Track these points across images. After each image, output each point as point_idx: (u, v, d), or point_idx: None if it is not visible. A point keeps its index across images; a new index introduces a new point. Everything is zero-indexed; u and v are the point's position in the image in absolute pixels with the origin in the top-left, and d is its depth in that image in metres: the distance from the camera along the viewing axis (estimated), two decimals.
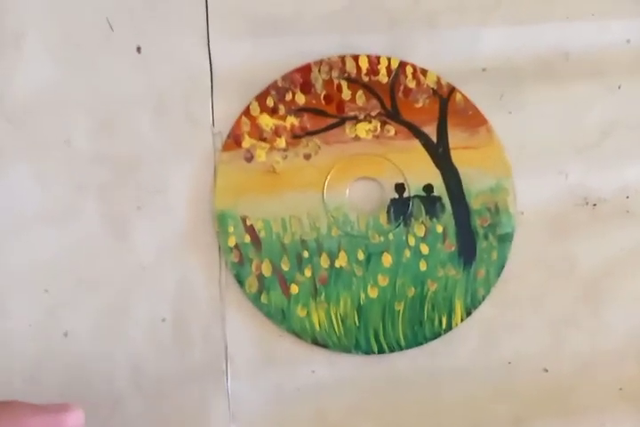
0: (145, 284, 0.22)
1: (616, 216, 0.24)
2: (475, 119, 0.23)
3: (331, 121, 0.23)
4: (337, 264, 0.22)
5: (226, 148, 0.23)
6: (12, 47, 0.24)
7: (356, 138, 0.23)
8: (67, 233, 0.23)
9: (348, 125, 0.23)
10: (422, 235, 0.23)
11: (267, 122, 0.23)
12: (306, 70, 0.23)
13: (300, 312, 0.22)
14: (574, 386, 0.23)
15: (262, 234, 0.23)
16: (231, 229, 0.23)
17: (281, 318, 0.22)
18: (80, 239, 0.23)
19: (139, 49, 0.24)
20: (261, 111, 0.23)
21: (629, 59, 0.25)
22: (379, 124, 0.23)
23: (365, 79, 0.23)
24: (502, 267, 0.23)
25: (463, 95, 0.23)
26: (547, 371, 0.23)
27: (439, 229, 0.23)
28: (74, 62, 0.24)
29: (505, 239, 0.23)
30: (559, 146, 0.24)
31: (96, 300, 0.22)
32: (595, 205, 0.24)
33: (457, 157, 0.23)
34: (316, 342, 0.22)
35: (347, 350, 0.22)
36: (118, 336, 0.22)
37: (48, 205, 0.23)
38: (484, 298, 0.22)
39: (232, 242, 0.22)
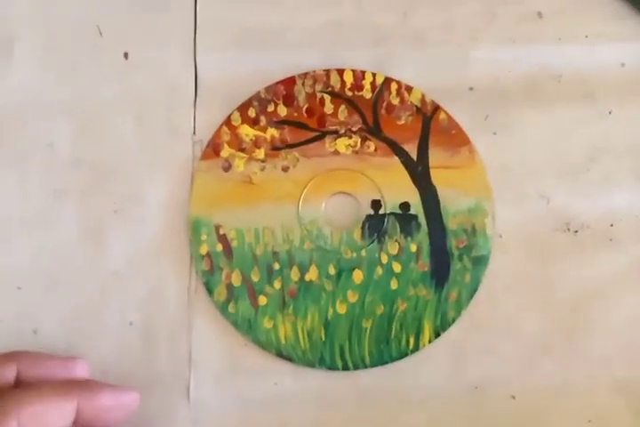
0: (116, 287, 0.22)
1: (598, 244, 0.22)
2: (457, 139, 0.22)
3: (311, 134, 0.22)
4: (307, 278, 0.22)
5: (204, 156, 0.22)
6: (1, 51, 0.23)
7: (336, 152, 0.22)
8: (44, 235, 0.22)
9: (328, 140, 0.22)
10: (395, 253, 0.22)
11: (247, 132, 0.22)
12: (290, 83, 0.23)
13: (267, 324, 0.21)
14: (542, 416, 0.21)
15: (234, 243, 0.22)
16: (204, 237, 0.22)
17: (247, 328, 0.21)
18: (57, 241, 0.22)
19: (126, 55, 0.23)
20: (242, 122, 0.23)
21: (623, 83, 0.23)
22: (359, 140, 0.22)
23: (349, 94, 0.23)
24: (475, 290, 0.21)
25: (447, 114, 0.22)
26: (514, 398, 0.21)
27: (413, 247, 0.22)
28: (61, 67, 0.23)
29: (480, 262, 0.22)
30: (543, 170, 0.23)
31: (67, 300, 0.22)
32: (576, 231, 0.22)
33: (436, 177, 0.22)
34: (280, 355, 0.21)
35: (311, 365, 0.21)
36: (86, 337, 0.22)
37: (28, 208, 0.23)
38: (454, 320, 0.21)
39: (204, 250, 0.22)
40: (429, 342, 0.21)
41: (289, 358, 0.21)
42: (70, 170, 0.23)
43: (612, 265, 0.22)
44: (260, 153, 0.22)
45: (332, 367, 0.21)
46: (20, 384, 0.18)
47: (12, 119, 0.23)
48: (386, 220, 0.22)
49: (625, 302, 0.22)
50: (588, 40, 0.24)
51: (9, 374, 0.17)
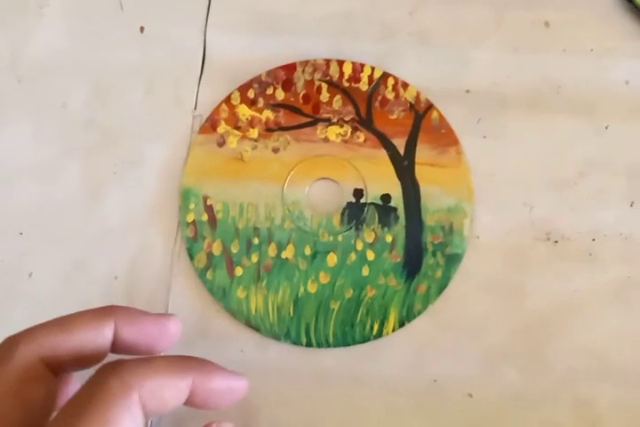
0: (107, 243, 0.23)
1: (577, 257, 0.22)
2: (446, 138, 0.22)
3: (304, 120, 0.23)
4: (283, 255, 0.22)
5: (202, 130, 0.23)
6: (34, 13, 0.25)
7: (326, 139, 0.23)
8: (50, 187, 0.23)
9: (320, 126, 0.23)
10: (371, 241, 0.22)
11: (244, 112, 0.23)
12: (290, 68, 0.23)
13: (240, 294, 0.22)
14: (498, 418, 0.21)
15: (219, 215, 0.23)
16: (192, 206, 0.23)
17: (221, 295, 0.22)
18: (59, 194, 0.23)
19: (142, 29, 0.24)
20: (241, 101, 0.23)
21: (624, 100, 0.23)
22: (350, 130, 0.23)
23: (346, 84, 0.23)
24: (445, 286, 0.21)
25: (440, 113, 0.22)
26: (471, 396, 0.21)
27: (389, 238, 0.22)
28: (84, 34, 0.24)
29: (453, 260, 0.22)
30: (530, 178, 0.22)
31: (62, 249, 0.23)
32: (556, 241, 0.22)
33: (421, 173, 0.22)
34: (249, 325, 0.22)
35: (277, 338, 0.21)
36: (74, 285, 0.23)
37: (38, 160, 0.24)
38: (419, 313, 0.21)
39: (190, 218, 0.22)
40: (393, 330, 0.21)
41: (257, 329, 0.22)
42: (80, 129, 0.24)
43: (587, 280, 0.22)
44: (254, 133, 0.23)
45: (297, 343, 0.21)
46: (115, 343, 0.17)
47: (34, 74, 0.24)
48: (366, 209, 0.22)
49: (596, 319, 0.21)
50: (593, 53, 0.23)
51: (108, 331, 0.16)
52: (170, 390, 0.15)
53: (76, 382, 0.18)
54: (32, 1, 0.25)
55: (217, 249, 0.22)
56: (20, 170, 0.24)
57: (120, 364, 0.15)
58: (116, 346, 0.17)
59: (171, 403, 0.15)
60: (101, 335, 0.16)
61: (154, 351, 0.18)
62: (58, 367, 0.16)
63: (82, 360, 0.16)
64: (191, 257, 0.22)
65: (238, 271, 0.22)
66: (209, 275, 0.22)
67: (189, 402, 0.16)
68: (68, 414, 0.14)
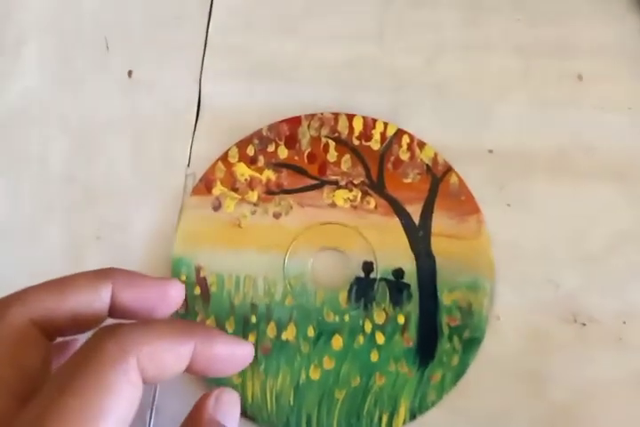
0: None
1: (606, 342, 0.19)
2: (466, 206, 0.20)
3: (309, 182, 0.20)
4: (283, 336, 0.19)
5: (195, 192, 0.20)
6: (12, 54, 0.22)
7: (333, 205, 0.20)
8: (28, 249, 0.21)
9: (326, 190, 0.20)
10: (381, 323, 0.19)
11: (243, 171, 0.20)
12: (295, 123, 0.20)
13: (235, 380, 0.19)
14: None
15: (213, 289, 0.20)
16: (183, 278, 0.20)
17: (215, 380, 0.19)
18: (38, 260, 0.21)
19: (130, 73, 0.21)
20: (240, 159, 0.20)
21: None
22: (359, 194, 0.20)
23: (356, 142, 0.20)
24: (461, 374, 0.19)
25: (459, 177, 0.20)
26: None
27: (401, 319, 0.19)
28: (66, 78, 0.22)
29: (471, 345, 0.19)
30: (556, 252, 0.20)
31: None
32: (584, 324, 0.19)
33: (437, 245, 0.20)
34: (245, 414, 0.19)
35: None
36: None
37: (16, 218, 0.21)
38: (433, 404, 0.19)
39: None
40: (404, 423, 0.19)
41: (253, 419, 0.19)
42: (60, 186, 0.21)
43: (617, 368, 0.19)
44: (254, 196, 0.21)
45: None
46: (113, 307, 0.16)
47: (9, 125, 0.22)
48: (376, 285, 0.20)
49: (625, 413, 0.19)
50: (630, 112, 0.21)
51: (105, 295, 0.15)
52: (170, 356, 0.14)
53: (74, 348, 0.17)
54: (8, 39, 0.22)
55: None
56: None
57: (118, 327, 0.14)
58: (113, 310, 0.16)
59: (171, 369, 0.14)
60: (98, 298, 0.15)
61: (153, 317, 0.16)
62: (53, 332, 0.15)
63: (78, 324, 0.15)
64: None
65: None
66: None
67: (191, 369, 0.15)
68: (61, 379, 0.13)
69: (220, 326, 0.20)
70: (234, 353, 0.16)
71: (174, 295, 0.16)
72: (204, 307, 0.20)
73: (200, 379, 0.20)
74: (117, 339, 0.13)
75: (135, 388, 0.13)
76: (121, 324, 0.14)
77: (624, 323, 0.20)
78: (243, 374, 0.19)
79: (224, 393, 0.16)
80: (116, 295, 0.16)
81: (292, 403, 0.19)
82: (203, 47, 0.22)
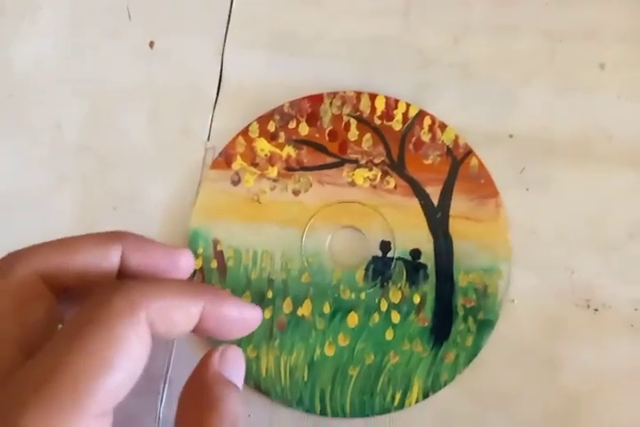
0: None
1: (618, 328, 0.20)
2: (486, 189, 0.20)
3: (330, 160, 0.20)
4: (299, 312, 0.20)
5: (215, 165, 0.20)
6: (27, 19, 0.22)
7: (352, 183, 0.20)
8: (40, 219, 0.21)
9: (346, 168, 0.20)
10: (397, 302, 0.20)
11: (263, 147, 0.20)
12: (317, 100, 0.20)
13: (250, 353, 0.19)
14: None
15: (230, 263, 0.20)
16: (200, 251, 0.20)
17: None
18: (51, 230, 0.21)
19: (151, 44, 0.21)
20: (260, 134, 0.20)
21: None
22: (379, 174, 0.20)
23: (377, 122, 0.20)
24: (475, 355, 0.19)
25: (479, 160, 0.20)
26: None
27: (417, 299, 0.20)
28: (83, 44, 0.21)
29: (486, 326, 0.19)
30: (574, 238, 0.20)
31: None
32: (596, 310, 0.20)
33: (455, 227, 0.20)
34: (258, 388, 0.19)
35: (288, 404, 0.19)
36: None
37: (29, 187, 0.21)
38: (445, 383, 0.19)
39: (198, 264, 0.20)
40: (416, 401, 0.19)
41: (266, 393, 0.19)
42: (74, 156, 0.21)
43: (628, 354, 0.20)
44: (273, 171, 0.21)
45: (310, 410, 0.19)
46: (123, 271, 0.15)
47: (23, 90, 0.21)
48: (393, 264, 0.20)
49: (635, 398, 0.19)
50: None
51: (114, 256, 0.15)
52: (180, 313, 0.14)
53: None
54: (24, 4, 0.22)
55: None
56: (10, 195, 0.21)
57: (128, 282, 0.14)
58: (122, 273, 0.16)
59: (180, 326, 0.14)
60: (107, 259, 0.15)
61: None
62: (60, 288, 0.15)
63: (85, 283, 0.15)
64: None
65: None
66: None
67: (200, 329, 0.15)
68: (69, 332, 0.13)
69: None
70: (242, 315, 0.16)
71: (184, 264, 0.16)
72: (220, 280, 0.20)
73: None
74: (127, 293, 0.13)
75: (144, 342, 0.13)
76: (130, 279, 0.14)
77: (636, 310, 0.20)
78: (257, 348, 0.19)
79: (229, 349, 0.16)
80: (126, 258, 0.15)
81: (305, 379, 0.19)
82: (227, 19, 0.21)
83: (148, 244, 0.16)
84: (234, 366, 0.16)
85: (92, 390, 0.12)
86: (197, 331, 0.15)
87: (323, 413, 0.19)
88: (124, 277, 0.16)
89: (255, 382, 0.19)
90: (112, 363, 0.12)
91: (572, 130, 0.21)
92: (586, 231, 0.20)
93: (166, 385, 0.20)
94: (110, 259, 0.15)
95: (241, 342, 0.19)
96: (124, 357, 0.12)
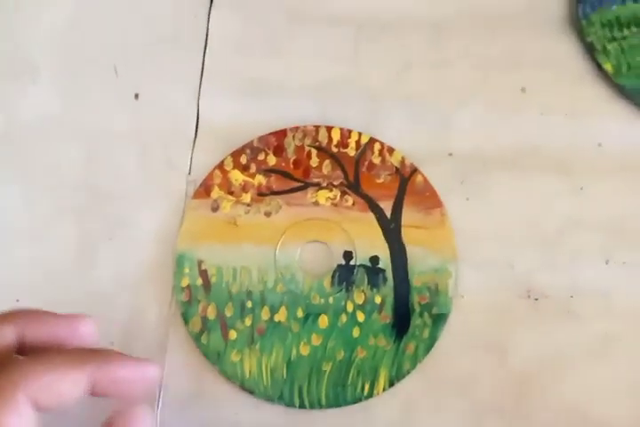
0: (102, 309, 0.23)
1: (557, 314, 0.23)
2: (431, 201, 0.23)
3: (295, 184, 0.24)
4: (276, 318, 0.23)
5: (196, 195, 0.24)
6: (27, 76, 0.25)
7: (316, 203, 0.24)
8: (43, 252, 0.24)
9: (310, 191, 0.24)
10: (361, 303, 0.23)
11: (237, 177, 0.24)
12: (281, 135, 0.24)
13: (234, 357, 0.22)
14: None
15: (213, 279, 0.23)
16: (186, 271, 0.23)
17: (216, 359, 0.22)
18: (53, 259, 0.24)
19: (137, 96, 0.25)
20: (234, 167, 0.24)
21: (597, 162, 0.24)
22: (339, 194, 0.23)
23: (334, 150, 0.24)
24: (432, 345, 0.22)
25: (424, 177, 0.23)
26: None
27: (378, 299, 0.23)
28: (78, 100, 0.25)
29: (439, 319, 0.22)
30: (511, 237, 0.23)
31: None
32: (537, 299, 0.23)
33: (407, 235, 0.23)
34: (243, 388, 0.22)
35: (271, 400, 0.22)
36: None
37: (31, 225, 0.24)
38: (408, 372, 0.22)
39: (185, 283, 0.23)
40: (384, 390, 0.22)
41: (251, 392, 0.22)
42: (73, 192, 0.24)
43: (567, 337, 0.22)
44: (247, 197, 0.24)
45: (290, 405, 0.22)
46: (23, 347, 0.16)
47: (28, 139, 0.25)
48: (355, 271, 0.23)
49: (576, 375, 0.22)
50: (567, 117, 0.24)
51: (9, 335, 0.16)
52: (64, 384, 0.15)
53: None
54: (25, 63, 0.26)
55: (211, 313, 0.23)
56: (13, 232, 0.24)
57: (12, 362, 0.15)
58: (23, 349, 0.17)
59: (69, 396, 0.15)
60: (2, 340, 0.16)
61: None
62: None
63: None
64: (186, 321, 0.23)
65: (232, 335, 0.22)
66: (204, 339, 0.22)
67: (95, 392, 0.16)
68: None
69: (220, 312, 0.23)
70: (137, 375, 0.16)
71: (84, 330, 0.17)
72: (205, 295, 0.23)
73: (202, 359, 0.23)
74: (8, 374, 0.14)
75: (25, 419, 0.14)
76: (17, 358, 0.16)
77: (571, 297, 0.23)
78: (241, 352, 0.22)
79: (129, 413, 0.16)
80: (23, 335, 0.16)
81: (284, 376, 0.22)
82: (200, 70, 0.25)
83: (46, 316, 0.17)
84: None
85: None
86: (96, 394, 0.16)
87: (302, 406, 0.22)
88: (27, 350, 0.17)
89: (240, 383, 0.22)
90: None
91: (503, 145, 0.24)
92: (521, 231, 0.24)
93: (161, 392, 0.22)
94: (5, 338, 0.16)
95: (226, 348, 0.22)
96: None
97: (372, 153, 0.24)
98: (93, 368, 0.16)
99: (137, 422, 0.16)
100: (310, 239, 0.23)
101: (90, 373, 0.15)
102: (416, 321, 0.22)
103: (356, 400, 0.22)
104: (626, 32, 0.25)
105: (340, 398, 0.22)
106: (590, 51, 0.25)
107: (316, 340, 0.22)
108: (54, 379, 0.15)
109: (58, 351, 0.16)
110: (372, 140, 0.24)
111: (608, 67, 0.25)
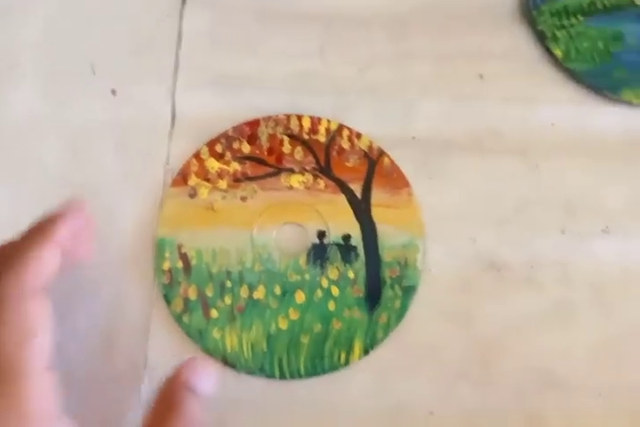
0: (87, 293, 0.24)
1: (519, 283, 0.24)
2: (398, 182, 0.25)
3: (269, 170, 0.25)
4: (255, 296, 0.24)
5: (174, 183, 0.25)
6: (6, 75, 0.27)
7: (290, 187, 0.25)
8: None
9: (283, 176, 0.25)
10: (335, 278, 0.24)
11: (213, 165, 0.25)
12: (254, 124, 0.26)
13: (216, 334, 0.24)
14: None
15: (194, 262, 0.24)
16: (167, 255, 0.24)
17: (198, 337, 0.23)
18: None
19: (113, 92, 0.26)
20: (210, 155, 0.25)
21: (551, 141, 0.26)
22: (311, 178, 0.25)
23: (306, 137, 0.25)
24: (403, 315, 0.24)
25: (390, 159, 0.25)
26: (432, 414, 0.23)
27: (351, 274, 0.24)
28: (57, 97, 0.26)
29: (409, 291, 0.24)
30: (473, 215, 0.25)
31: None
32: (499, 270, 0.25)
33: (377, 214, 0.25)
34: (225, 362, 0.23)
35: (252, 373, 0.23)
36: (56, 334, 0.25)
37: (18, 219, 0.26)
38: (381, 341, 0.23)
39: (166, 266, 0.24)
40: (359, 358, 0.23)
41: (233, 366, 0.23)
42: (56, 186, 0.26)
43: (529, 304, 0.24)
44: (223, 184, 0.25)
45: (271, 376, 0.23)
46: None
47: (10, 138, 0.26)
48: (329, 249, 0.25)
49: (539, 338, 0.24)
50: (522, 101, 0.26)
51: None
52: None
53: None
54: (3, 62, 0.27)
55: (193, 294, 0.24)
56: (3, 224, 0.25)
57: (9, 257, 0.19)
58: None
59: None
60: None
61: None
62: None
63: None
64: (168, 302, 0.24)
65: (214, 314, 0.24)
66: (186, 319, 0.24)
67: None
68: None
69: (201, 292, 0.24)
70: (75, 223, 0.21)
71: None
72: (186, 277, 0.24)
73: (185, 337, 0.24)
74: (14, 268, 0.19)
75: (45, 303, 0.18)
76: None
77: (532, 267, 0.25)
78: (222, 329, 0.24)
79: (198, 362, 0.20)
80: None
81: (265, 350, 0.23)
82: (174, 66, 0.27)
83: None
84: (200, 376, 0.19)
85: None
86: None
87: (282, 377, 0.23)
88: None
89: (222, 358, 0.23)
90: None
91: (464, 129, 0.26)
92: (482, 208, 0.25)
93: (146, 371, 0.23)
94: None
95: (207, 326, 0.24)
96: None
97: (342, 139, 0.25)
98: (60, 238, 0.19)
99: (202, 372, 0.19)
100: (285, 221, 0.25)
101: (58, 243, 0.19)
102: (387, 293, 0.24)
103: (334, 369, 0.23)
104: (573, 20, 0.27)
105: (318, 367, 0.23)
106: (541, 38, 0.27)
107: (293, 314, 0.24)
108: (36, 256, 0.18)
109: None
110: (340, 127, 0.25)
111: (558, 52, 0.27)
